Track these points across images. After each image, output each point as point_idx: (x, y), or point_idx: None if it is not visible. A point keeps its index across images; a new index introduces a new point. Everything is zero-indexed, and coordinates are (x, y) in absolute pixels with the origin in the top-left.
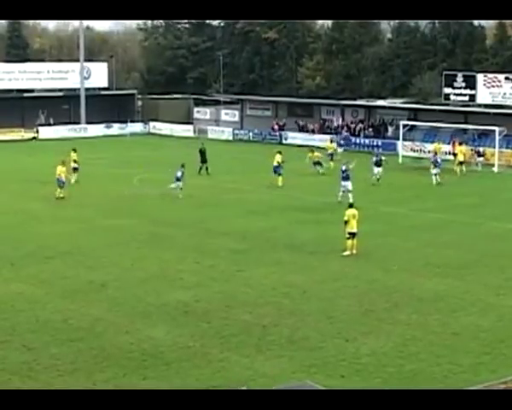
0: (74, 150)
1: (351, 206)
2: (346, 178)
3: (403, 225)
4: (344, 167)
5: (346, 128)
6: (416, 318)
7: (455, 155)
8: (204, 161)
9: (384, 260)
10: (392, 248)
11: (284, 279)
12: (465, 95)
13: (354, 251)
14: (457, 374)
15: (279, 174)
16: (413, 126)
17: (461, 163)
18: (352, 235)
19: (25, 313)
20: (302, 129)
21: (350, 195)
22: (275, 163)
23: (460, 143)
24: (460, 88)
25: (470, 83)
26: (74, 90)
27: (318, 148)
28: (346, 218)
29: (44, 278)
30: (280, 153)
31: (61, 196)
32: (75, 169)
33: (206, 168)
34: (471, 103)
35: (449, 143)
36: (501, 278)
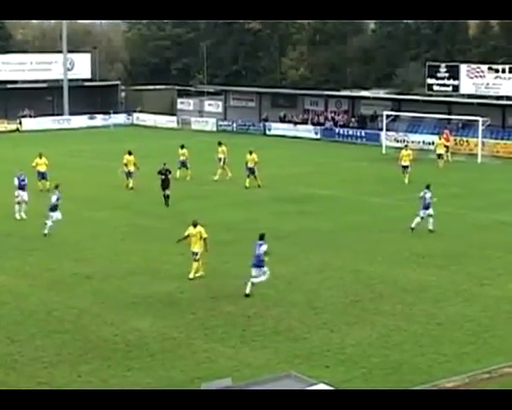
0: (130, 153)
1: (195, 225)
2: None
3: (387, 216)
4: None
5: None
6: (401, 308)
7: (448, 146)
8: (165, 186)
9: (368, 251)
10: (376, 239)
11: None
12: (448, 85)
13: (199, 273)
14: (442, 364)
15: (252, 174)
16: (396, 117)
17: (438, 156)
18: (194, 254)
19: (9, 306)
20: (284, 120)
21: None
22: (249, 164)
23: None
24: (443, 78)
25: (453, 73)
26: (57, 81)
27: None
28: (186, 233)
29: (28, 271)
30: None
31: (47, 188)
32: (129, 173)
33: (167, 196)
34: (454, 94)
35: (438, 134)
36: (485, 268)
